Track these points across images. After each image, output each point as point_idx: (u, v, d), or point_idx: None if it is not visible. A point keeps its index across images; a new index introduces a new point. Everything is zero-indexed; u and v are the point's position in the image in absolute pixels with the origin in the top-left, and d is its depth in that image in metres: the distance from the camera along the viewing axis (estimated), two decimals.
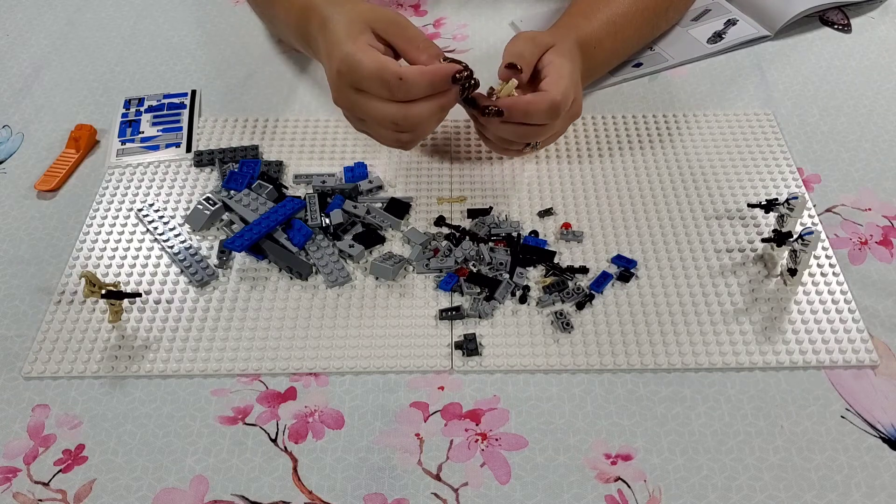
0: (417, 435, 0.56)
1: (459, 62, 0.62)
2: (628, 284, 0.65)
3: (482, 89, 0.65)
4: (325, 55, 0.65)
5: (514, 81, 0.65)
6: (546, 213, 0.71)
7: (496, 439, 0.56)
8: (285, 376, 0.60)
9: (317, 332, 0.62)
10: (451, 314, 0.62)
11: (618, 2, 0.78)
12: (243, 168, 0.73)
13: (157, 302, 0.64)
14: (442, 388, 0.59)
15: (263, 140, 0.78)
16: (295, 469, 0.54)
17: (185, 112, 0.81)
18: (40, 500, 0.53)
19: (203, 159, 0.75)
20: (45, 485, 0.54)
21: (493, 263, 0.65)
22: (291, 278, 0.66)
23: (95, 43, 0.91)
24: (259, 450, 0.55)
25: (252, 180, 0.72)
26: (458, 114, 0.81)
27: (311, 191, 0.72)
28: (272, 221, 0.67)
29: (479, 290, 0.64)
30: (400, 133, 0.64)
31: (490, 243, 0.67)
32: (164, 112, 0.81)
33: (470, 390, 0.59)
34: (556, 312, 0.62)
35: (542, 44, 0.68)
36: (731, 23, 0.91)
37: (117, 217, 0.71)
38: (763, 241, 0.65)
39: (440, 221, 0.70)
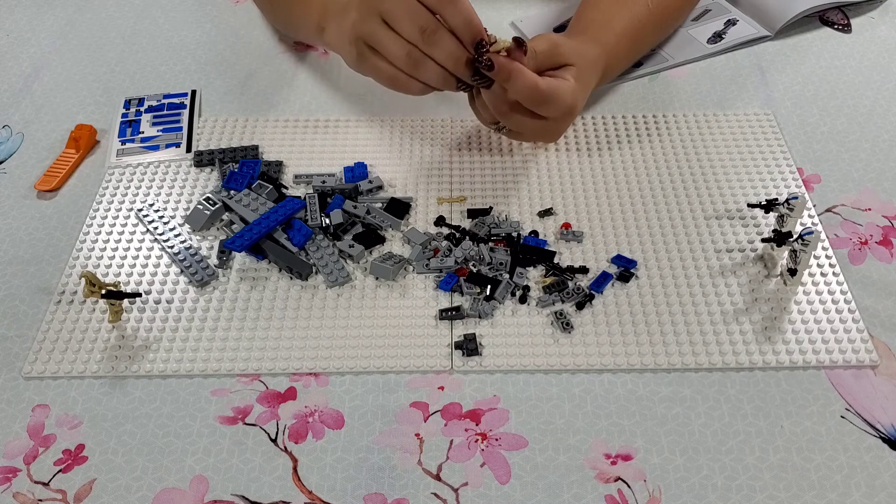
0: (417, 435, 0.56)
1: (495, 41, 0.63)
2: (628, 284, 0.65)
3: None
4: None
5: (508, 41, 0.63)
6: (546, 213, 0.71)
7: (496, 439, 0.56)
8: (285, 376, 0.60)
9: (317, 332, 0.62)
10: (451, 314, 0.62)
11: (636, 8, 0.78)
12: (243, 168, 0.73)
13: (157, 302, 0.64)
14: (442, 388, 0.59)
15: (263, 140, 0.78)
16: (295, 469, 0.54)
17: (185, 112, 0.81)
18: (40, 500, 0.53)
19: (203, 159, 0.75)
20: (45, 485, 0.54)
21: (493, 263, 0.65)
22: (291, 278, 0.66)
23: (95, 43, 0.91)
24: (259, 450, 0.55)
25: (252, 180, 0.72)
26: (457, 114, 0.81)
27: (311, 191, 0.72)
28: (272, 221, 0.67)
29: (479, 290, 0.64)
30: (408, 56, 0.62)
31: (490, 243, 0.67)
32: (164, 112, 0.81)
33: (470, 390, 0.59)
34: (556, 312, 0.62)
35: (562, 58, 0.68)
36: (731, 23, 0.91)
37: (117, 217, 0.71)
38: (763, 241, 0.65)
39: (440, 221, 0.70)
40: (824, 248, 0.68)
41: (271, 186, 0.71)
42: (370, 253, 0.67)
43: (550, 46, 0.68)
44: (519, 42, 0.63)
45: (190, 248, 0.67)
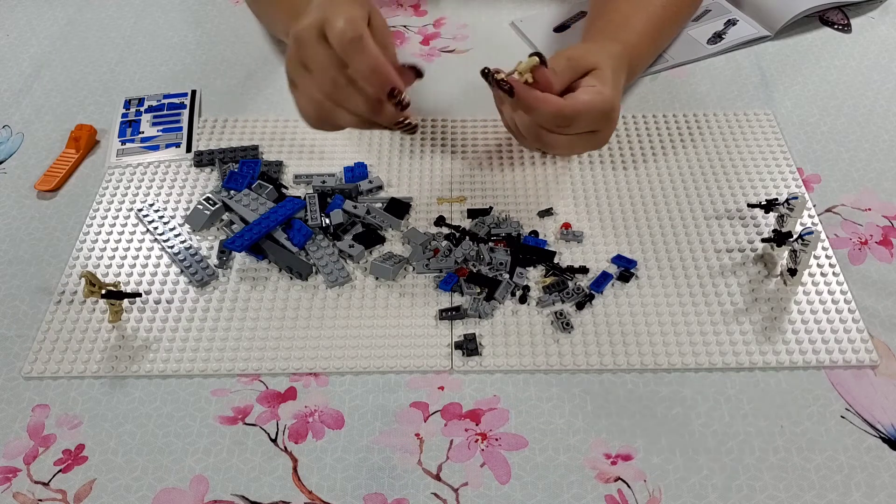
0: (417, 435, 0.56)
1: (413, 71, 0.61)
2: (628, 284, 0.65)
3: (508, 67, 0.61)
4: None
5: (535, 60, 0.60)
6: (546, 213, 0.71)
7: (496, 439, 0.56)
8: (285, 376, 0.60)
9: (317, 332, 0.62)
10: (451, 314, 0.62)
11: (652, 8, 0.78)
12: (243, 168, 0.73)
13: (157, 302, 0.64)
14: (442, 388, 0.59)
15: (263, 140, 0.78)
16: (295, 469, 0.54)
17: (185, 112, 0.81)
18: (40, 500, 0.53)
19: (203, 159, 0.75)
20: (45, 485, 0.54)
21: (493, 263, 0.65)
22: (291, 278, 0.66)
23: (95, 43, 0.91)
24: (259, 450, 0.55)
25: (252, 180, 0.72)
26: (457, 113, 0.81)
27: (311, 191, 0.72)
28: (272, 221, 0.67)
29: (479, 290, 0.64)
30: (321, 104, 0.60)
31: (490, 243, 0.67)
32: (164, 112, 0.81)
33: (470, 390, 0.59)
34: (556, 312, 0.62)
35: (582, 67, 0.65)
36: (731, 23, 0.91)
37: (117, 217, 0.71)
38: (763, 241, 0.65)
39: (440, 221, 0.70)
40: (824, 248, 0.68)
41: (271, 186, 0.71)
42: (370, 253, 0.67)
43: (566, 60, 0.65)
44: (542, 59, 0.61)
45: (190, 248, 0.67)
